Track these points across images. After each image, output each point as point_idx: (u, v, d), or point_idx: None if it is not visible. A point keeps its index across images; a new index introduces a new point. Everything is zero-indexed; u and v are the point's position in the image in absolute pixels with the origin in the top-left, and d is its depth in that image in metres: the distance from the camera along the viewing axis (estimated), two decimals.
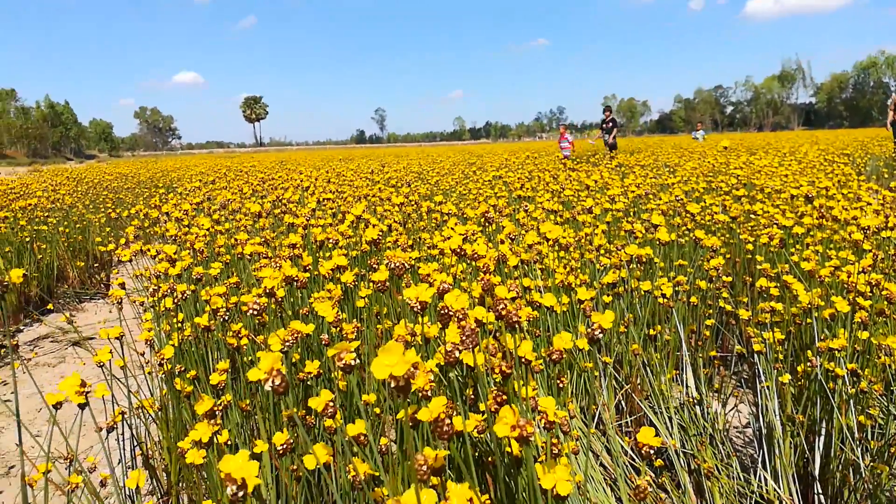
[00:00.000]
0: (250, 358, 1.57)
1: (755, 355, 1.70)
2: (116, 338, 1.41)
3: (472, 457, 0.89)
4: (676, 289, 2.04)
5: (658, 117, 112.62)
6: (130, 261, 2.25)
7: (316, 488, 1.23)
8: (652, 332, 1.93)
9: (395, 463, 0.92)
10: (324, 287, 1.51)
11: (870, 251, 1.72)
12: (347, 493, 1.06)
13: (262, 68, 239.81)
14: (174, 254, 1.75)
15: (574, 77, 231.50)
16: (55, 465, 1.10)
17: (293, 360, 1.45)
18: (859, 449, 1.41)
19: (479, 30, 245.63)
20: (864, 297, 1.58)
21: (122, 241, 2.82)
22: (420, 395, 0.80)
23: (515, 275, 1.66)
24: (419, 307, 0.82)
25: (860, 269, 1.63)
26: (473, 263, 1.03)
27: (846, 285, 1.62)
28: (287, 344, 0.91)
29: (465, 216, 2.82)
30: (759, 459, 1.61)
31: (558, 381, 1.30)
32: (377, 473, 0.91)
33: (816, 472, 1.50)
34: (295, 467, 1.13)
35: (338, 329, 1.23)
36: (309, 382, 1.38)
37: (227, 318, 1.46)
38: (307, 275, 1.55)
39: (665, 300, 1.86)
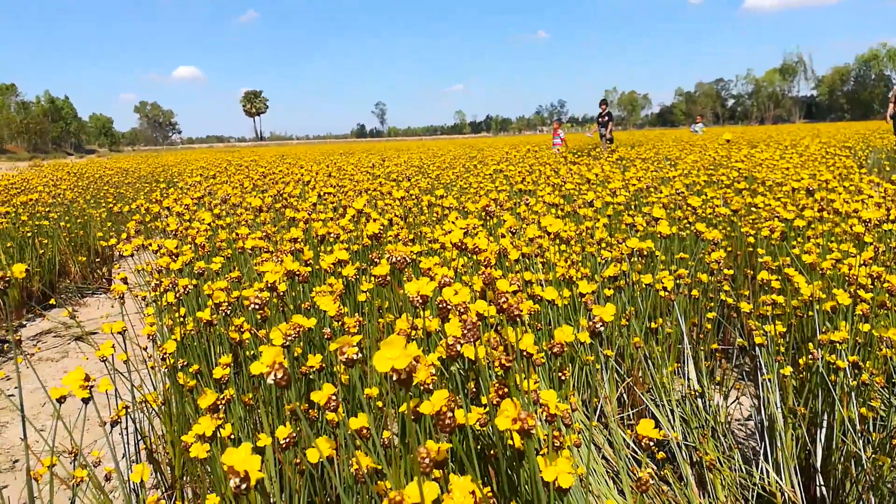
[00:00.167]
0: (252, 352, 1.57)
1: (757, 348, 1.70)
2: (119, 332, 1.41)
3: (475, 450, 0.89)
4: (678, 282, 2.04)
5: (659, 110, 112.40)
6: (132, 255, 2.25)
7: (319, 482, 1.24)
8: (653, 325, 1.93)
9: (397, 456, 0.92)
10: (325, 281, 1.51)
11: (871, 244, 1.72)
12: (351, 486, 1.06)
13: (263, 63, 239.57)
14: (176, 248, 1.75)
15: (575, 70, 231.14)
16: (60, 460, 1.11)
17: (295, 355, 1.45)
18: (861, 441, 1.41)
19: (479, 23, 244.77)
20: (866, 290, 1.58)
21: (124, 235, 2.82)
22: (422, 388, 0.80)
23: (517, 268, 1.66)
24: (420, 301, 0.82)
25: (861, 262, 1.62)
26: (475, 257, 1.03)
27: (847, 278, 1.62)
28: (289, 338, 0.91)
29: (466, 210, 2.82)
30: (761, 452, 1.61)
31: (560, 375, 1.31)
32: (380, 466, 0.91)
33: (818, 464, 1.50)
34: (298, 461, 1.13)
35: (340, 323, 1.23)
36: (311, 376, 1.38)
37: (229, 312, 1.46)
38: (309, 269, 1.55)
39: (666, 293, 1.86)
